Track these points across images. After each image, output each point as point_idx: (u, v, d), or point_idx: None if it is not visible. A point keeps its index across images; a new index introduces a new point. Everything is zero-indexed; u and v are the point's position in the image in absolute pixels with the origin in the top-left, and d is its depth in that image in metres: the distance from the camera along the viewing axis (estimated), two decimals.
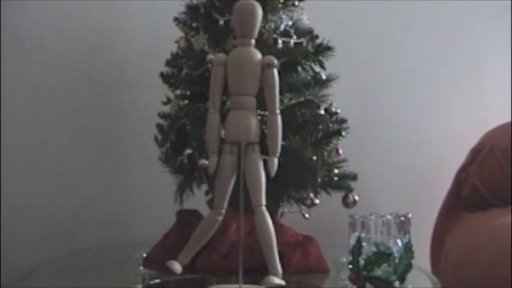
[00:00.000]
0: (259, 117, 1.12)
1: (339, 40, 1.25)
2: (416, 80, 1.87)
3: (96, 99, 1.63)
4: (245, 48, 0.95)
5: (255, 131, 0.95)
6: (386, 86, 1.85)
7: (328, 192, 1.23)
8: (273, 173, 0.95)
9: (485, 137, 1.67)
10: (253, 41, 0.96)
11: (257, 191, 0.94)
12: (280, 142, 0.96)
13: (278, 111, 0.96)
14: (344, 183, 1.23)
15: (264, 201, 0.94)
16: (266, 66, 0.95)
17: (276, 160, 0.95)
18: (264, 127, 1.14)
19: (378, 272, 1.03)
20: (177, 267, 0.97)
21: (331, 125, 1.23)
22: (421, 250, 1.22)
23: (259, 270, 1.14)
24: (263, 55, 1.17)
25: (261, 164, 0.95)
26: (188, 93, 1.25)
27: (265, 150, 1.14)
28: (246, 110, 0.95)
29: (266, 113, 1.14)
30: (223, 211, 0.97)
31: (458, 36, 1.92)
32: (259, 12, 0.95)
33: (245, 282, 1.00)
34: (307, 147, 1.16)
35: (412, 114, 1.87)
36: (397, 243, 1.06)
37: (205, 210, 1.26)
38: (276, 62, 0.95)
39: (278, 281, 0.94)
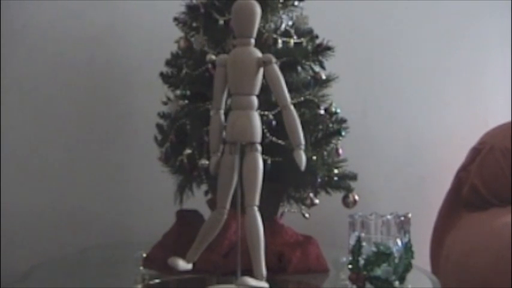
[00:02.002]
0: (262, 117, 1.13)
1: (339, 40, 1.25)
2: (416, 80, 1.88)
3: (96, 99, 1.63)
4: (243, 48, 0.95)
5: (251, 131, 0.94)
6: (386, 86, 1.85)
7: (328, 192, 1.23)
8: (302, 166, 0.94)
9: (485, 136, 1.67)
10: (252, 41, 0.95)
11: (251, 191, 0.93)
12: (300, 133, 0.94)
13: (290, 104, 0.95)
14: (344, 183, 1.23)
15: (257, 202, 0.93)
16: (263, 64, 0.94)
17: (301, 153, 0.94)
18: (264, 127, 1.15)
19: (378, 271, 1.03)
20: (180, 263, 0.97)
21: (331, 125, 1.23)
22: (421, 250, 1.22)
23: None
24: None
25: (259, 164, 0.94)
26: (188, 93, 1.25)
27: (265, 150, 1.15)
28: (243, 109, 0.94)
29: (266, 112, 1.16)
30: (225, 211, 0.97)
31: (458, 36, 1.92)
32: (257, 11, 0.95)
33: None
34: (307, 147, 1.16)
35: (412, 114, 1.87)
36: (397, 243, 1.06)
37: (205, 210, 1.26)
38: (273, 58, 0.94)
39: (254, 283, 0.92)
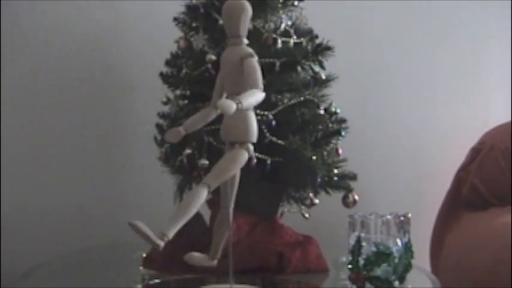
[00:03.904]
0: (259, 118, 1.13)
1: (339, 40, 1.25)
2: (416, 80, 1.88)
3: (95, 99, 1.63)
4: (232, 48, 0.94)
5: (236, 130, 0.92)
6: (386, 86, 1.85)
7: (327, 192, 1.23)
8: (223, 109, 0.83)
9: (485, 136, 1.67)
10: (241, 40, 0.93)
11: (213, 172, 0.89)
12: (252, 101, 0.86)
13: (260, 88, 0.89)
14: (344, 183, 1.23)
15: (210, 183, 0.88)
16: (241, 62, 0.92)
17: (228, 102, 0.82)
18: (264, 127, 1.15)
19: (378, 271, 1.03)
20: (196, 258, 0.98)
21: (331, 125, 1.23)
22: (421, 250, 1.22)
23: (257, 270, 1.15)
24: (263, 55, 1.17)
25: (235, 156, 0.91)
26: (188, 93, 1.25)
27: (265, 150, 1.15)
28: None
29: (266, 112, 1.16)
30: (229, 210, 0.96)
31: (458, 35, 1.92)
32: (243, 10, 0.93)
33: (244, 282, 1.00)
34: (307, 147, 1.16)
35: (412, 114, 1.87)
36: (396, 243, 1.06)
37: (205, 211, 1.26)
38: (252, 53, 0.91)
39: (148, 232, 0.85)
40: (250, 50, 0.92)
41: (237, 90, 0.92)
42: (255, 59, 0.91)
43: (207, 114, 0.98)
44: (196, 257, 1.00)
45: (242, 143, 0.92)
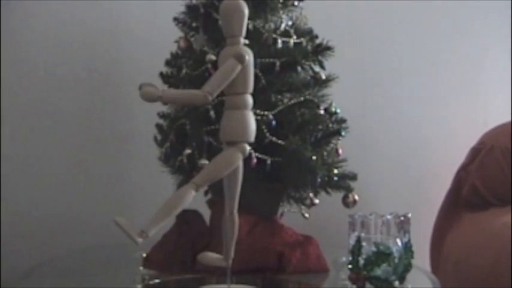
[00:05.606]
0: (259, 118, 1.13)
1: (339, 40, 1.25)
2: (416, 80, 1.88)
3: (95, 99, 1.63)
4: (227, 47, 0.93)
5: (231, 130, 0.91)
6: (386, 86, 1.85)
7: (327, 192, 1.23)
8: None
9: (485, 136, 1.67)
10: (238, 39, 0.93)
11: (203, 171, 0.91)
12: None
13: (208, 95, 0.86)
14: (344, 183, 1.23)
15: (197, 182, 0.90)
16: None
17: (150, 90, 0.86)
18: (264, 127, 1.15)
19: (378, 271, 1.03)
20: (210, 258, 0.98)
21: (330, 125, 1.23)
22: (421, 250, 1.22)
23: (257, 270, 1.15)
24: (263, 55, 1.17)
25: (227, 157, 0.90)
26: None
27: (265, 150, 1.15)
28: (226, 109, 0.93)
29: (266, 112, 1.16)
30: (233, 211, 0.96)
31: (458, 36, 1.92)
32: (237, 9, 0.92)
33: (244, 282, 1.00)
34: (306, 147, 1.16)
35: (412, 114, 1.87)
36: (396, 243, 1.06)
37: (205, 210, 1.26)
38: (241, 54, 0.89)
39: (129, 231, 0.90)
40: (242, 51, 0.91)
41: (228, 90, 0.92)
42: (237, 62, 0.89)
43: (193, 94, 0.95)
44: (210, 257, 0.99)
45: (238, 143, 0.91)
